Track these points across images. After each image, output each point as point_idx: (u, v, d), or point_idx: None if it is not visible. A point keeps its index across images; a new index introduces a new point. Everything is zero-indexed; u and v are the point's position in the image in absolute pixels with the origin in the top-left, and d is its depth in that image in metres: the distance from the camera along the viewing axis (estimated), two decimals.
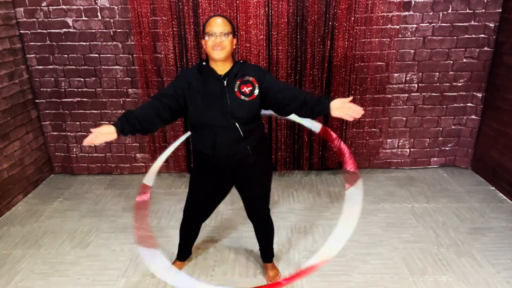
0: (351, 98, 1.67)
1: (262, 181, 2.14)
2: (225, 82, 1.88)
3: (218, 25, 1.80)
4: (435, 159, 3.80)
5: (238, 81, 1.88)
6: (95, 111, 3.60)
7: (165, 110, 1.87)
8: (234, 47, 1.90)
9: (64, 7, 3.28)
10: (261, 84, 1.89)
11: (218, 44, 1.80)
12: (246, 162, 2.01)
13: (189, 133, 2.18)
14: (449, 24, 3.33)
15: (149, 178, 2.14)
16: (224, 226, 2.93)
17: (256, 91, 1.89)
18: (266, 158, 2.13)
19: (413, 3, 3.26)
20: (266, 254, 2.39)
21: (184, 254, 2.45)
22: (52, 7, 3.28)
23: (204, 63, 1.92)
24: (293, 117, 1.98)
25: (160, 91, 1.94)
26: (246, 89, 1.87)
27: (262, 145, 2.06)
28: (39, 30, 3.35)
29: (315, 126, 2.36)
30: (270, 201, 2.24)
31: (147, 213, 2.37)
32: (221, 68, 1.89)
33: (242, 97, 1.87)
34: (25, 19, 3.31)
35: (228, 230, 2.87)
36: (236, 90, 1.87)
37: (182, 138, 2.46)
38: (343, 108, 1.66)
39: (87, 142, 1.78)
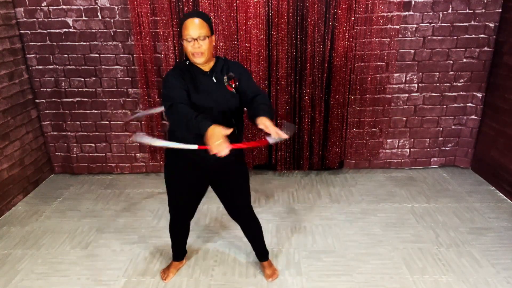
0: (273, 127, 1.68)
1: (241, 178, 2.15)
2: (213, 79, 1.92)
3: (194, 29, 1.79)
4: (435, 159, 3.80)
5: (226, 75, 1.93)
6: (95, 111, 3.60)
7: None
8: (214, 44, 1.91)
9: (64, 7, 3.28)
10: (239, 82, 1.95)
11: (197, 51, 1.82)
12: (229, 160, 1.98)
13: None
14: (449, 24, 3.33)
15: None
16: (224, 226, 2.93)
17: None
18: (242, 157, 2.18)
19: (413, 3, 3.26)
20: (260, 252, 2.39)
21: (179, 254, 2.44)
22: (52, 7, 3.28)
23: (188, 62, 1.94)
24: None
25: (172, 95, 1.81)
26: (232, 85, 1.93)
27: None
28: (39, 30, 3.35)
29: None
30: (251, 198, 2.25)
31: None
32: (205, 65, 1.93)
33: (233, 91, 1.92)
34: (25, 19, 3.31)
35: (228, 230, 2.87)
36: (226, 84, 1.92)
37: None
38: (269, 127, 1.68)
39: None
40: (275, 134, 1.66)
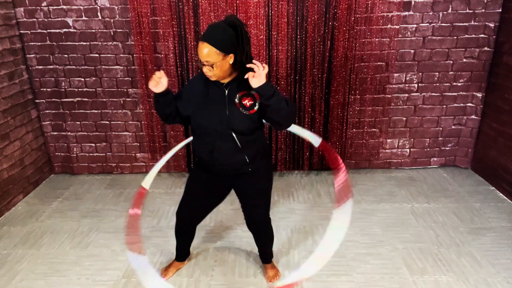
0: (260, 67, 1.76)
1: (261, 189, 2.09)
2: (226, 91, 1.85)
3: (202, 56, 1.74)
4: (435, 159, 3.80)
5: (240, 93, 1.83)
6: (96, 111, 3.60)
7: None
8: (232, 62, 1.77)
9: (64, 7, 3.28)
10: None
11: (206, 74, 1.80)
12: (244, 170, 1.98)
13: (191, 138, 2.23)
14: (449, 24, 3.33)
15: (148, 181, 2.19)
16: (224, 226, 2.93)
17: (257, 106, 1.84)
18: (266, 165, 2.08)
19: (413, 3, 3.26)
20: (265, 257, 2.39)
21: (182, 255, 2.45)
22: (52, 7, 3.28)
23: None
24: (294, 129, 2.23)
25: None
26: (247, 102, 1.83)
27: (262, 153, 2.02)
28: (39, 30, 3.35)
29: (316, 140, 2.30)
30: (270, 209, 2.19)
31: (139, 221, 2.47)
32: (224, 79, 1.86)
33: (241, 109, 1.83)
34: (25, 19, 3.31)
35: (228, 230, 2.87)
36: (236, 101, 1.83)
37: (184, 142, 2.49)
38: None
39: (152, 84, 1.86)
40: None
